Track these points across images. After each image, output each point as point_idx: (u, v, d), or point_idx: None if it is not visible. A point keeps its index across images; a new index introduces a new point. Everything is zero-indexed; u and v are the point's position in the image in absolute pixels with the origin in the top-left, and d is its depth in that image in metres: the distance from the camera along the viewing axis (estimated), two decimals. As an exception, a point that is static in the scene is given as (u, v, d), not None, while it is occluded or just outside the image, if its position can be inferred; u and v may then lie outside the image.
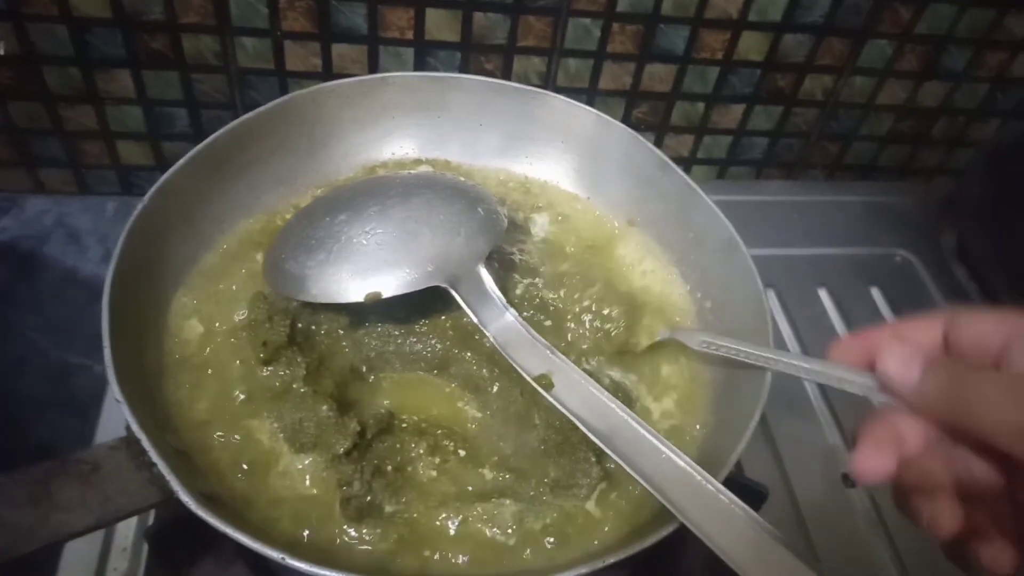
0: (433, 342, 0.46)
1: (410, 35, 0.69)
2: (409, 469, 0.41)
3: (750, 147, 0.84)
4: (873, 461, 0.31)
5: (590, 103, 0.75)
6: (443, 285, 0.43)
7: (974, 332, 0.32)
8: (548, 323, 0.48)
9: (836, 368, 0.36)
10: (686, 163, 0.84)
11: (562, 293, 0.49)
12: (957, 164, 0.88)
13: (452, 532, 0.39)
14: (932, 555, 0.53)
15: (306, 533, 0.38)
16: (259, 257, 0.49)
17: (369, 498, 0.39)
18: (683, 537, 0.35)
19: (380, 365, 0.46)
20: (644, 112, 0.78)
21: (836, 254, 0.76)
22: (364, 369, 0.45)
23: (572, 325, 0.48)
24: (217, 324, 0.45)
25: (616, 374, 0.47)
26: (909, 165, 0.88)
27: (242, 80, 0.70)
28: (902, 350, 0.32)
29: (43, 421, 0.62)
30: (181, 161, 0.46)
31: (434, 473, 0.41)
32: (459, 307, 0.44)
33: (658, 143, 0.81)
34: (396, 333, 0.46)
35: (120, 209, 0.75)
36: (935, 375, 0.31)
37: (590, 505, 0.41)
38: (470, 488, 0.41)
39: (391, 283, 0.43)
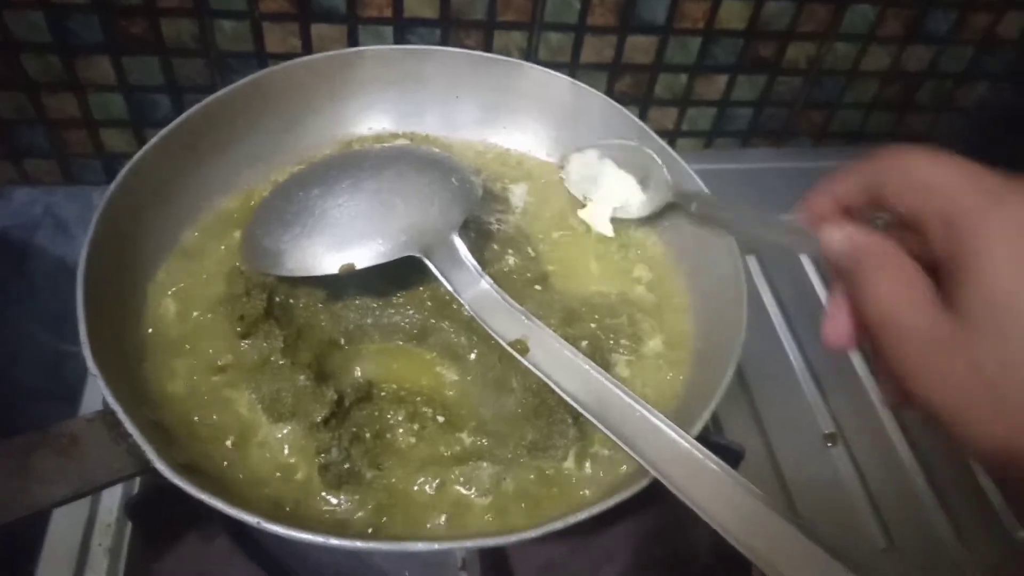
0: (411, 313, 0.46)
1: (389, 12, 0.68)
2: (388, 436, 0.41)
3: (735, 118, 0.83)
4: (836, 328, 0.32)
5: (572, 77, 0.75)
6: (417, 255, 0.43)
7: (905, 202, 0.30)
8: (538, 287, 0.49)
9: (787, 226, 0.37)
10: (671, 135, 0.84)
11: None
12: (945, 129, 0.88)
13: (431, 495, 0.39)
14: (914, 513, 0.54)
15: (286, 500, 0.38)
16: (237, 234, 0.49)
17: (348, 465, 0.39)
18: (668, 501, 0.35)
19: (359, 337, 0.46)
20: (627, 85, 0.78)
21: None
22: (342, 341, 0.45)
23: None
24: (195, 300, 0.45)
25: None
26: (896, 131, 0.88)
27: (222, 63, 0.70)
28: (835, 220, 0.33)
29: (34, 408, 0.63)
30: (154, 140, 0.46)
31: (413, 440, 0.42)
32: (436, 278, 0.44)
33: (642, 116, 0.81)
34: (374, 305, 0.46)
35: (107, 197, 0.75)
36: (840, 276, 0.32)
37: (567, 464, 0.41)
38: (448, 453, 0.41)
39: (365, 254, 0.43)
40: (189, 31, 0.67)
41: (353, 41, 0.70)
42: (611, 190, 0.53)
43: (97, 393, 0.56)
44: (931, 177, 0.30)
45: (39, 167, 0.75)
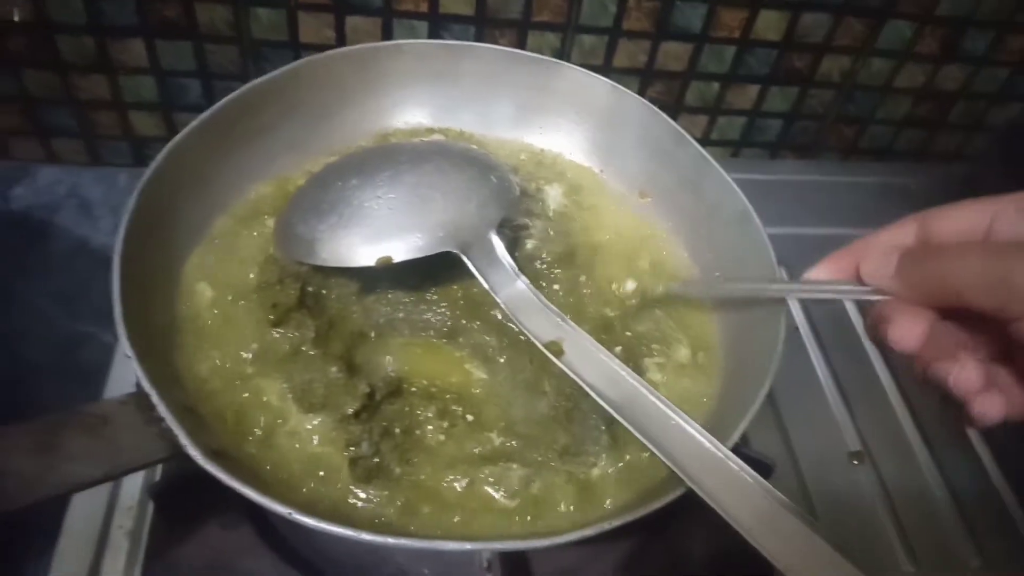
0: (443, 310, 0.46)
1: (424, 7, 0.68)
2: (417, 432, 0.41)
3: (765, 129, 0.83)
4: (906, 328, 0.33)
5: (604, 80, 0.75)
6: (454, 251, 0.43)
7: (955, 226, 0.34)
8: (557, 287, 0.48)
9: (827, 283, 0.39)
10: (699, 144, 0.83)
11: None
12: (975, 149, 0.87)
13: (459, 494, 0.39)
14: (937, 533, 0.54)
15: (314, 492, 0.38)
16: (271, 222, 0.48)
17: (377, 459, 0.39)
18: (689, 510, 0.35)
19: (389, 331, 0.45)
20: (659, 91, 0.78)
21: (850, 234, 0.74)
22: (373, 335, 0.45)
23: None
24: (228, 287, 0.45)
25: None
26: (926, 149, 0.87)
27: (256, 52, 0.70)
28: (879, 251, 0.35)
29: (50, 388, 0.62)
30: (193, 124, 0.46)
31: (442, 437, 0.41)
32: (470, 276, 0.43)
33: (672, 123, 0.81)
34: (406, 300, 0.46)
35: (132, 180, 0.74)
36: (908, 259, 0.34)
37: (597, 471, 0.40)
38: (478, 451, 0.41)
39: (402, 248, 0.43)
40: (224, 18, 0.67)
41: (387, 35, 0.70)
42: None
43: (118, 379, 0.56)
44: (974, 201, 0.33)
45: (66, 147, 0.75)
